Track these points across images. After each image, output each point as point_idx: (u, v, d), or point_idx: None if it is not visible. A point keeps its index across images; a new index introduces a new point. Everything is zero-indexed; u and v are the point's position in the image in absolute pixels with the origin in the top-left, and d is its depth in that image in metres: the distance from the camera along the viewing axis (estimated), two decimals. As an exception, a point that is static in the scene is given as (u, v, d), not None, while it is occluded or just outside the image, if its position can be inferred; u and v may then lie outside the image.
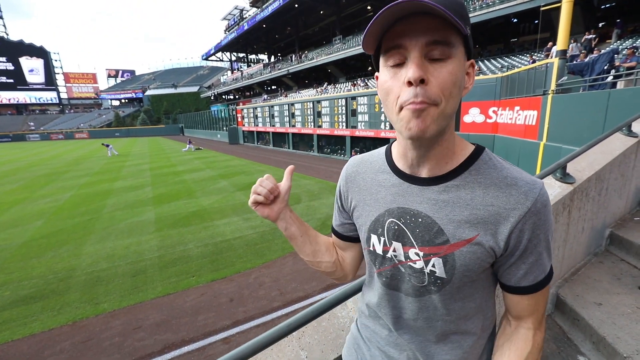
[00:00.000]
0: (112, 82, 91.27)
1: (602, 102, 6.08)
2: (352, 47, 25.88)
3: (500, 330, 0.71)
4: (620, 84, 7.01)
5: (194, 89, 74.89)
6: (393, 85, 0.55)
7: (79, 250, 7.09)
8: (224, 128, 39.00)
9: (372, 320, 0.80)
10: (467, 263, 0.59)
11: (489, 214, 0.58)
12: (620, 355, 1.49)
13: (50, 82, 77.18)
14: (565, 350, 1.68)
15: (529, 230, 0.57)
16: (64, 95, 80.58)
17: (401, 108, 0.54)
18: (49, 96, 77.14)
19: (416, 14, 0.51)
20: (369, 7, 31.38)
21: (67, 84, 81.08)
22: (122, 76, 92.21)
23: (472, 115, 11.77)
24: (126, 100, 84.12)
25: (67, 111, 79.48)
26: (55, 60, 79.10)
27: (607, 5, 16.10)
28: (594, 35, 11.13)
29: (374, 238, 0.70)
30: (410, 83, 0.52)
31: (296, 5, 31.21)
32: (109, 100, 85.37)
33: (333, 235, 0.89)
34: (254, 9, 42.78)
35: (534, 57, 14.01)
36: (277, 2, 31.49)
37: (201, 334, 4.26)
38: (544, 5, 11.05)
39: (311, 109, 22.49)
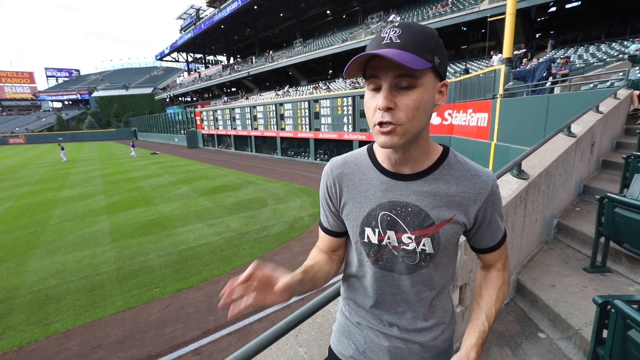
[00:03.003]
0: (52, 82, 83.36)
1: (543, 105, 6.74)
2: (314, 50, 26.11)
3: (478, 276, 0.92)
4: (557, 90, 7.82)
5: (148, 90, 70.82)
6: (371, 105, 0.70)
7: (21, 267, 6.40)
8: (182, 131, 37.30)
9: (361, 305, 0.88)
10: (448, 237, 0.76)
11: (461, 199, 0.75)
12: (572, 329, 1.68)
13: (-24, 81, 68.76)
14: (528, 329, 1.85)
15: (490, 207, 0.77)
16: (-6, 96, 72.19)
17: (374, 124, 0.69)
18: (-25, 97, 68.70)
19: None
20: (328, 12, 31.91)
21: (-1, 84, 72.79)
22: (65, 76, 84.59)
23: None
24: (70, 102, 77.19)
25: (-2, 113, 71.26)
26: (-17, 57, 70.65)
27: (542, 18, 17.88)
28: (524, 50, 12.28)
29: (368, 230, 0.80)
30: (380, 109, 0.67)
31: (255, 7, 30.82)
32: (50, 102, 77.82)
33: (327, 236, 0.91)
34: (212, 9, 41.57)
35: (480, 64, 15.16)
36: (235, 2, 30.87)
37: (169, 347, 4.05)
38: (490, 17, 12.00)
39: (274, 112, 22.30)
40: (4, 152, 37.65)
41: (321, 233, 0.93)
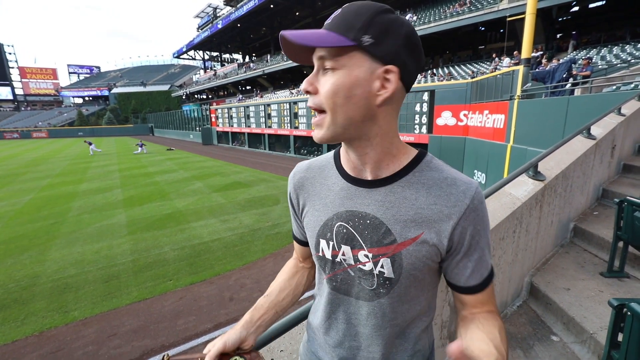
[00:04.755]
0: (74, 78, 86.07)
1: (562, 107, 6.58)
2: (328, 50, 26.09)
3: (459, 327, 0.68)
4: (577, 91, 7.61)
5: (165, 87, 72.24)
6: None
7: (42, 256, 6.66)
8: (197, 128, 37.94)
9: (316, 330, 0.79)
10: (413, 262, 0.61)
11: (432, 213, 0.60)
12: (587, 333, 1.65)
13: (3, 77, 71.57)
14: (540, 332, 1.83)
15: (471, 227, 0.60)
16: (19, 92, 74.98)
17: None
18: (1, 92, 71.47)
19: None
20: (344, 11, 31.79)
21: (24, 80, 75.48)
22: (86, 72, 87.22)
23: (445, 118, 12.28)
24: (90, 98, 79.50)
25: (22, 108, 74.00)
26: (10, 54, 73.51)
27: (564, 18, 17.38)
28: (541, 52, 12.00)
29: (322, 243, 0.70)
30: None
31: (272, 6, 31.06)
32: (71, 98, 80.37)
33: (297, 245, 0.87)
34: (228, 8, 42.07)
35: (497, 66, 14.87)
36: (252, 1, 31.19)
37: (182, 338, 4.15)
38: (509, 16, 11.76)
39: (288, 110, 22.44)
40: (27, 145, 39.13)
41: (296, 246, 0.88)
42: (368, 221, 0.63)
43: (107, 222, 8.74)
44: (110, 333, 4.33)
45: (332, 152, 0.75)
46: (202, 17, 50.35)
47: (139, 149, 26.77)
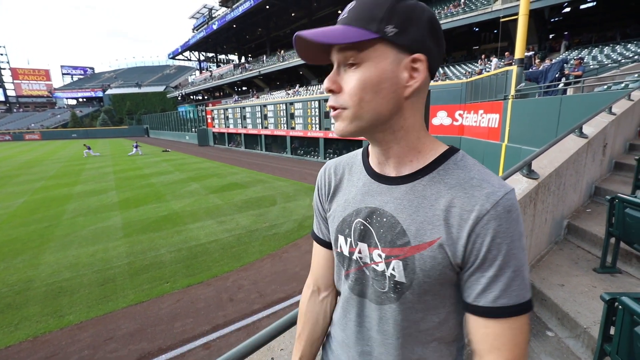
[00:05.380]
0: (68, 79, 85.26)
1: (555, 106, 6.66)
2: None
3: None
4: (569, 91, 7.71)
5: (160, 88, 71.87)
6: None
7: (36, 260, 6.59)
8: (193, 129, 37.78)
9: (339, 330, 0.75)
10: (427, 268, 0.56)
11: (451, 216, 0.55)
12: (581, 327, 1.68)
13: (-5, 79, 70.78)
14: (536, 328, 1.86)
15: (489, 237, 0.52)
16: (11, 93, 74.10)
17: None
18: (-7, 94, 70.71)
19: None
20: (339, 12, 31.82)
21: (16, 81, 74.59)
22: (80, 74, 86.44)
23: (440, 118, 12.37)
24: (84, 100, 78.83)
25: (15, 110, 73.13)
26: (1, 55, 72.66)
27: (556, 19, 17.59)
28: (533, 52, 12.13)
29: (341, 239, 0.68)
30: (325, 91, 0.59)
31: (267, 7, 31.04)
32: (65, 99, 79.61)
33: (322, 250, 0.81)
34: (224, 9, 41.96)
35: (485, 67, 15.01)
36: (247, 2, 31.12)
37: (179, 340, 4.13)
38: (502, 17, 11.87)
39: (284, 111, 22.43)
40: (20, 147, 38.67)
41: (315, 249, 0.82)
42: (385, 219, 0.61)
43: (102, 224, 8.68)
44: (106, 337, 4.30)
45: (361, 148, 0.74)
46: (197, 18, 50.14)
47: (134, 149, 26.63)
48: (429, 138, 0.62)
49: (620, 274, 2.13)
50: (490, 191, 0.53)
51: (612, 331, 1.23)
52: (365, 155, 0.70)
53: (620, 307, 1.15)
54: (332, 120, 0.61)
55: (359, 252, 0.65)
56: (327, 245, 0.78)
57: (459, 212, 0.54)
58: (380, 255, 0.61)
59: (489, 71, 12.34)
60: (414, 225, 0.57)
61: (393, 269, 0.59)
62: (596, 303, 1.81)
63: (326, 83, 0.58)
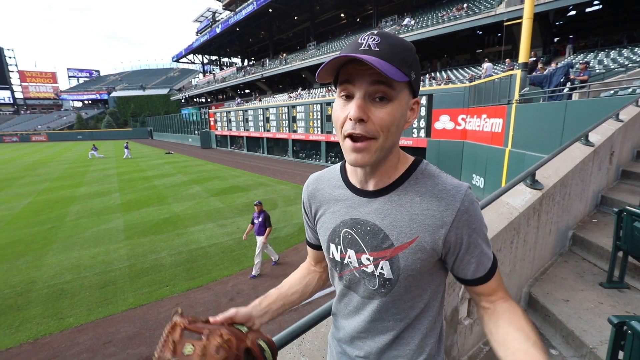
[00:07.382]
0: (74, 82, 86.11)
1: (560, 111, 6.58)
2: (327, 54, 26.17)
3: (484, 319, 0.73)
4: (575, 96, 7.61)
5: (164, 91, 72.32)
6: (341, 115, 0.64)
7: (39, 262, 6.61)
8: (196, 132, 37.95)
9: (340, 322, 0.86)
10: (410, 263, 0.67)
11: (425, 218, 0.66)
12: (586, 347, 1.62)
13: (3, 81, 71.52)
14: (539, 345, 1.79)
15: (465, 227, 0.66)
16: (19, 95, 74.93)
17: (345, 137, 0.64)
18: (1, 95, 71.42)
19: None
20: (342, 15, 31.96)
21: (23, 83, 75.44)
22: (86, 76, 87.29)
23: (443, 122, 12.29)
24: (90, 102, 79.53)
25: (22, 112, 73.91)
26: (9, 57, 73.56)
27: (561, 22, 17.47)
28: (534, 58, 11.99)
29: (332, 247, 0.78)
30: (351, 119, 0.62)
31: (270, 10, 31.13)
32: (71, 102, 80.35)
33: (310, 249, 0.97)
34: (227, 12, 42.18)
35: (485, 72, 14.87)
36: (251, 6, 31.26)
37: (178, 346, 4.10)
38: (506, 21, 11.80)
39: (286, 114, 22.45)
40: (26, 149, 39.06)
41: (309, 250, 0.98)
42: (368, 228, 0.71)
43: (104, 226, 8.70)
44: (105, 340, 4.28)
45: (338, 165, 0.83)
46: (201, 21, 50.50)
47: (125, 152, 25.94)
48: (402, 154, 0.73)
49: (628, 289, 2.06)
50: (455, 192, 0.66)
51: (620, 356, 1.17)
52: (344, 172, 0.80)
53: (629, 331, 1.10)
54: (351, 150, 0.63)
55: (349, 258, 0.75)
56: (317, 247, 0.91)
57: (433, 213, 0.66)
58: (368, 259, 0.72)
59: (485, 77, 12.23)
60: (395, 230, 0.68)
61: (382, 269, 0.70)
62: (603, 321, 1.75)
63: (358, 113, 0.60)
